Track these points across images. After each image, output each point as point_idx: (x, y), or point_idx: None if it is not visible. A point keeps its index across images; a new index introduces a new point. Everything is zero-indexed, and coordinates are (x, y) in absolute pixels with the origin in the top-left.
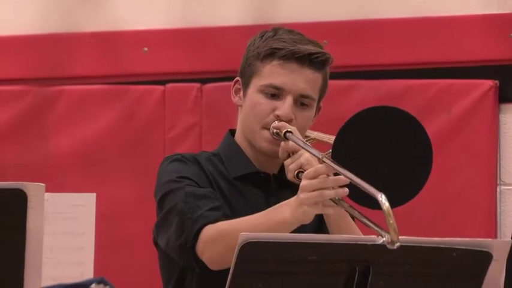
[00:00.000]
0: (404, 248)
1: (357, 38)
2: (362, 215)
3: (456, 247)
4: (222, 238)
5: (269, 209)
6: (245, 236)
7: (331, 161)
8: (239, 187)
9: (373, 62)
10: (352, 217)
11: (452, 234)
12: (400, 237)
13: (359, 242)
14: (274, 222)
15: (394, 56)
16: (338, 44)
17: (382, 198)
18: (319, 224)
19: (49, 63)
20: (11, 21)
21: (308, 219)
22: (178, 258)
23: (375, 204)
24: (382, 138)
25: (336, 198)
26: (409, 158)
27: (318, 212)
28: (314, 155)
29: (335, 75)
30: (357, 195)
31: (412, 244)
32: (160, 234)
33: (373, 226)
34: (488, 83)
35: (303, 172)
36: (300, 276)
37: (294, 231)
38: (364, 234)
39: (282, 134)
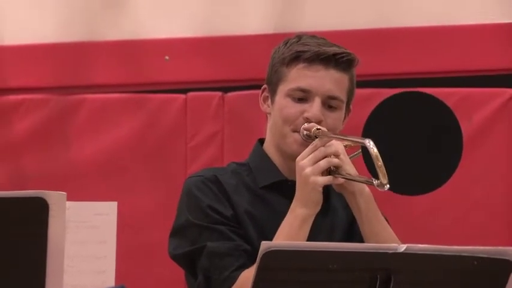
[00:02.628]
0: (425, 257)
1: (378, 47)
2: (356, 177)
3: (477, 255)
4: None
5: (281, 227)
6: (267, 244)
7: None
8: (265, 197)
9: (394, 70)
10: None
11: (472, 242)
12: (421, 245)
13: (380, 251)
14: (293, 231)
15: (414, 65)
16: (359, 53)
17: (370, 144)
18: (350, 231)
19: (71, 72)
20: (34, 30)
21: (317, 198)
22: None
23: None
24: (412, 123)
25: (333, 168)
26: (439, 144)
27: (324, 182)
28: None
29: (356, 84)
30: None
31: (432, 252)
32: (186, 261)
33: (365, 179)
34: (509, 92)
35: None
36: (320, 284)
37: (327, 235)
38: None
39: (313, 134)
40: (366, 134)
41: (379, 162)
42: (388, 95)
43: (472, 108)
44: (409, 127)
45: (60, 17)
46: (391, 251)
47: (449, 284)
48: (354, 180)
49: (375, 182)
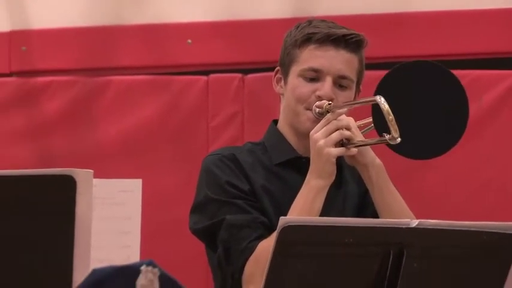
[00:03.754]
0: (437, 231)
1: (392, 31)
2: (369, 141)
3: (486, 230)
4: (260, 270)
5: (296, 199)
6: (284, 219)
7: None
8: (279, 174)
9: (408, 53)
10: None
11: (483, 218)
12: (432, 220)
13: (393, 226)
14: (308, 202)
15: (426, 48)
16: (373, 36)
17: (381, 100)
18: (363, 198)
19: (97, 55)
20: (62, 15)
21: (332, 169)
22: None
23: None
24: (422, 89)
25: (345, 140)
26: (447, 110)
27: (338, 153)
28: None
29: (372, 66)
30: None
31: (443, 227)
32: (205, 234)
33: (377, 140)
34: None
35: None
36: (336, 258)
37: (340, 207)
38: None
39: (324, 111)
40: (378, 93)
41: (390, 117)
42: None
43: (482, 90)
44: (420, 93)
45: (87, 2)
46: (404, 226)
47: (459, 257)
48: (367, 145)
49: (387, 136)
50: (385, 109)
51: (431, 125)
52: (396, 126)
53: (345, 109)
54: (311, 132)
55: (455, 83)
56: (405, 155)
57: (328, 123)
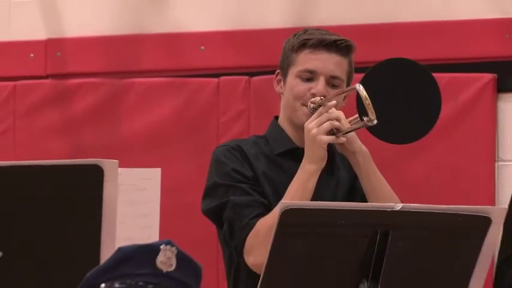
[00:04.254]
0: (418, 214)
1: (381, 38)
2: (352, 127)
3: (461, 213)
4: (259, 244)
5: (292, 181)
6: (284, 204)
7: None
8: (279, 163)
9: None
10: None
11: (457, 203)
12: (414, 204)
13: (380, 209)
14: (302, 183)
15: (409, 53)
16: (364, 43)
17: (360, 88)
18: (352, 191)
19: (122, 60)
20: (92, 25)
21: (323, 154)
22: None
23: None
24: (401, 83)
25: (335, 130)
26: (423, 100)
27: (329, 140)
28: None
29: (361, 70)
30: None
31: (424, 210)
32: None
33: (359, 125)
34: (488, 76)
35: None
36: (330, 237)
37: (332, 191)
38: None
39: (317, 104)
40: (362, 83)
41: (367, 101)
42: None
43: (458, 90)
44: (399, 86)
45: (113, 14)
46: (389, 209)
47: (438, 237)
48: (352, 130)
49: (365, 118)
50: (363, 95)
51: (409, 113)
52: (373, 110)
53: (335, 102)
54: (305, 123)
55: (430, 79)
56: (384, 139)
57: (320, 115)
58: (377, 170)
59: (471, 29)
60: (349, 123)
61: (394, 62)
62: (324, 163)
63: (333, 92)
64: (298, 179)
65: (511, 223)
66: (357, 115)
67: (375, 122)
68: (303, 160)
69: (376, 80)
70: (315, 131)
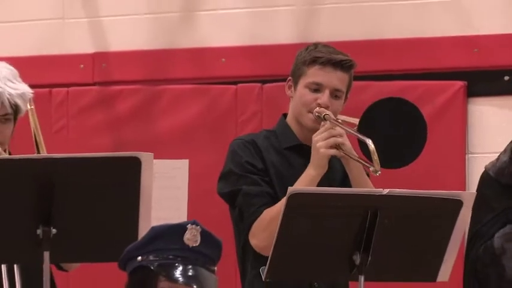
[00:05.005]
0: (402, 197)
1: (372, 52)
2: (357, 158)
3: (438, 196)
4: (262, 229)
5: (297, 181)
6: (292, 189)
7: (340, 124)
8: (287, 156)
9: (381, 69)
10: (367, 174)
11: (434, 189)
12: (398, 189)
13: (370, 193)
14: (305, 184)
15: (394, 65)
16: (358, 56)
17: (370, 142)
18: (343, 180)
19: (156, 70)
20: (131, 40)
21: (324, 164)
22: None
23: (394, 164)
24: (394, 118)
25: (339, 145)
26: (411, 132)
27: (329, 154)
28: (339, 126)
29: (355, 78)
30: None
31: (407, 194)
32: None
33: (364, 163)
34: (460, 84)
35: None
36: (329, 217)
37: (329, 186)
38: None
39: (322, 116)
40: (361, 125)
41: (375, 156)
42: (376, 88)
43: (435, 95)
44: (390, 121)
45: (149, 31)
46: (378, 194)
47: (418, 216)
48: (353, 159)
49: (371, 168)
50: (372, 150)
51: (401, 142)
52: (378, 162)
53: (342, 131)
54: (313, 136)
55: (418, 113)
56: (384, 167)
57: (326, 131)
58: (365, 174)
59: (446, 44)
60: (346, 124)
61: (383, 102)
62: (325, 170)
63: (335, 102)
64: (302, 180)
65: (478, 205)
66: (355, 120)
67: (379, 173)
68: (309, 165)
69: (372, 119)
70: (320, 144)
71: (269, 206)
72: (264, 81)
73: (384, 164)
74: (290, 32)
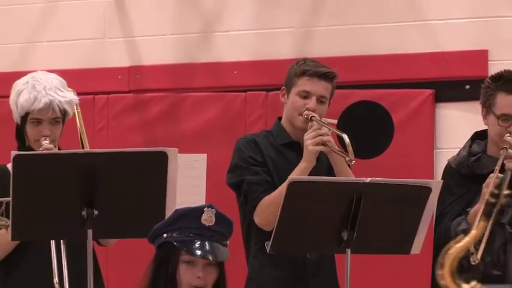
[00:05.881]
0: (382, 185)
1: (355, 65)
2: (338, 151)
3: (411, 184)
4: (263, 211)
5: (293, 172)
6: (291, 178)
7: (325, 124)
8: (282, 151)
9: (364, 79)
10: (348, 165)
11: (408, 178)
12: (379, 178)
13: (355, 181)
14: (299, 174)
15: (375, 76)
16: (344, 69)
17: (345, 137)
18: (328, 171)
19: (180, 80)
20: (160, 56)
21: (313, 159)
22: None
23: (367, 155)
24: (366, 117)
25: (326, 142)
26: (382, 126)
27: (317, 150)
28: (325, 126)
29: (341, 87)
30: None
31: (386, 182)
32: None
33: (343, 155)
34: (429, 91)
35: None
36: (322, 201)
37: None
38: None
39: (310, 118)
40: (340, 123)
41: (350, 148)
42: (358, 95)
43: (408, 101)
44: (363, 119)
45: (174, 48)
46: (362, 182)
47: (393, 200)
48: (336, 152)
49: (347, 158)
50: (347, 143)
51: (373, 137)
52: (353, 153)
53: (327, 131)
54: (304, 135)
55: (385, 114)
56: (359, 157)
57: (314, 131)
58: (346, 165)
59: (418, 59)
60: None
61: (357, 104)
62: (314, 163)
63: (320, 107)
64: (296, 171)
65: (443, 191)
66: (334, 120)
67: (354, 162)
68: (302, 160)
69: (348, 118)
70: (309, 142)
71: (269, 192)
72: (268, 90)
73: (359, 154)
74: (290, 49)
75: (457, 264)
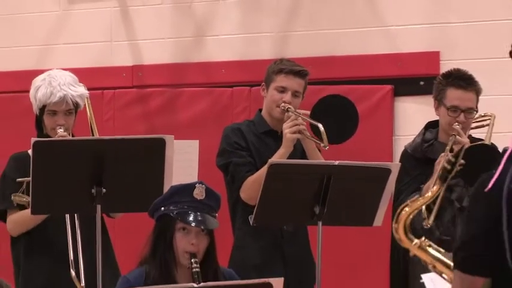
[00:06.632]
0: (348, 167)
1: (326, 64)
2: (313, 138)
3: (373, 166)
4: (248, 188)
5: (273, 156)
6: (271, 161)
7: (300, 115)
8: (262, 138)
9: (333, 76)
10: (319, 149)
11: (371, 161)
12: (345, 161)
13: (326, 164)
14: (278, 158)
15: (342, 73)
16: (316, 67)
17: (321, 126)
18: (302, 155)
19: (176, 77)
20: (158, 57)
21: (291, 145)
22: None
23: (336, 141)
24: (335, 108)
25: (302, 131)
26: (349, 116)
27: (294, 137)
28: (300, 116)
29: (314, 83)
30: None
31: (351, 164)
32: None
33: (318, 142)
34: (389, 87)
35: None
36: (298, 180)
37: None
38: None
39: (286, 109)
40: (313, 113)
41: (324, 136)
42: (328, 90)
43: (371, 95)
44: (332, 110)
45: (171, 49)
46: (331, 164)
47: (359, 180)
48: (311, 139)
49: (322, 144)
50: (322, 132)
51: (341, 125)
52: (327, 140)
53: (301, 121)
54: (284, 125)
55: (351, 106)
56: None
57: (291, 121)
58: (318, 152)
59: (379, 59)
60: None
61: (327, 98)
62: (291, 149)
63: (295, 100)
64: (276, 155)
65: (400, 172)
66: (307, 111)
67: (327, 148)
68: (281, 146)
69: (320, 110)
70: (287, 130)
71: (252, 172)
72: (251, 85)
73: (328, 140)
74: (270, 51)
75: (410, 221)
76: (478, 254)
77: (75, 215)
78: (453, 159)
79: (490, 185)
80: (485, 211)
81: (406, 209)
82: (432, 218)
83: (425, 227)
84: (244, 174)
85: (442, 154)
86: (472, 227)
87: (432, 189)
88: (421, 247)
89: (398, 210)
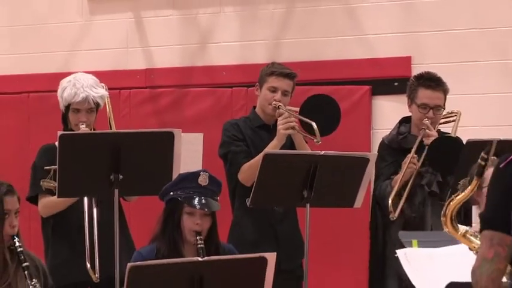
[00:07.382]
0: (333, 156)
1: (313, 68)
2: (304, 133)
3: (354, 156)
4: (244, 171)
5: (267, 147)
6: (266, 151)
7: (291, 112)
8: (257, 132)
9: (319, 78)
10: (305, 141)
11: (351, 151)
12: (330, 151)
13: (312, 154)
14: (272, 148)
15: (327, 75)
16: (305, 70)
17: (314, 124)
18: (291, 147)
19: (183, 79)
20: (168, 61)
21: (284, 139)
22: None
23: (321, 134)
24: (320, 106)
25: (294, 127)
26: (332, 113)
27: (288, 133)
28: (292, 114)
29: (302, 84)
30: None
31: (334, 154)
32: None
33: (309, 136)
34: (367, 87)
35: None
36: (289, 167)
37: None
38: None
39: (277, 107)
40: (301, 110)
41: (317, 132)
42: (315, 90)
43: (351, 94)
44: (318, 107)
45: (178, 54)
46: (317, 154)
47: (342, 167)
48: (302, 134)
49: (315, 140)
50: (315, 129)
51: (326, 120)
52: (319, 136)
53: (293, 118)
54: (278, 121)
55: (335, 103)
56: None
57: (284, 119)
58: (305, 143)
59: (359, 63)
60: (293, 110)
61: (314, 97)
62: (283, 142)
63: (284, 98)
64: (270, 146)
65: (378, 160)
66: (296, 108)
67: (320, 142)
68: (274, 139)
69: (307, 107)
70: (281, 127)
71: (248, 159)
72: (248, 86)
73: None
74: (264, 56)
75: (455, 213)
76: (502, 215)
77: (93, 204)
78: (485, 156)
79: (503, 163)
80: (502, 183)
81: (451, 203)
82: (398, 210)
83: (392, 219)
84: (241, 160)
85: (408, 155)
86: (493, 197)
87: (472, 183)
88: (465, 236)
89: (445, 205)
